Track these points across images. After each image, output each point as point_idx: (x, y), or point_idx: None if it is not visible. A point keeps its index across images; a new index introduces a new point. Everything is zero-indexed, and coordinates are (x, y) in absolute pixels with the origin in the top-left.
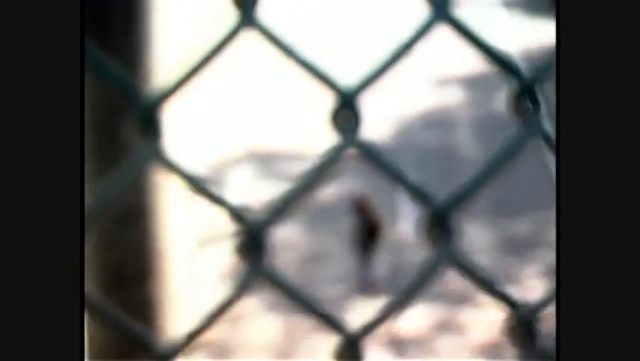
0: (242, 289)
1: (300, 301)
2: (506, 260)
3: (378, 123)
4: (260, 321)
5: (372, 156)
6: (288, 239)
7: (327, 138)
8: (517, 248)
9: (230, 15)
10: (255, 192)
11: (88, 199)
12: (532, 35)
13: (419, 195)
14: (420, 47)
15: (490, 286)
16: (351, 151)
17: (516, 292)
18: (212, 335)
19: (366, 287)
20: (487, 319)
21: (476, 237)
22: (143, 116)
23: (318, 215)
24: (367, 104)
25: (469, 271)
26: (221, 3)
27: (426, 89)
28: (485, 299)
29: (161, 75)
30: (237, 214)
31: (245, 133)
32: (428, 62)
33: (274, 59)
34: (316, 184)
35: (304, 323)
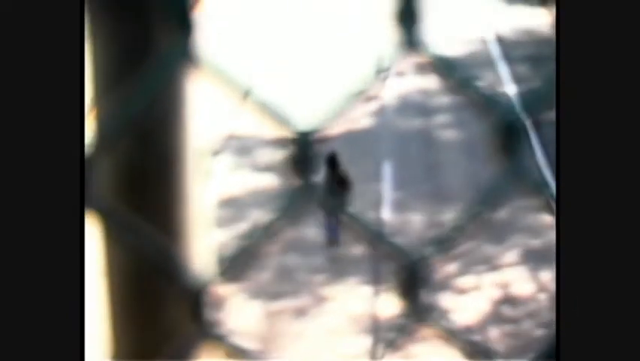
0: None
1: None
2: (486, 246)
3: (358, 108)
4: (242, 308)
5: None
6: None
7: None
8: (496, 234)
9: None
10: (235, 182)
11: None
12: (507, 21)
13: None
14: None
15: None
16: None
17: (495, 277)
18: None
19: (329, 241)
20: (468, 305)
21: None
22: (190, 299)
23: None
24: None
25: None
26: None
27: (408, 74)
28: (467, 285)
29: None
30: None
31: (222, 121)
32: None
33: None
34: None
35: (286, 310)
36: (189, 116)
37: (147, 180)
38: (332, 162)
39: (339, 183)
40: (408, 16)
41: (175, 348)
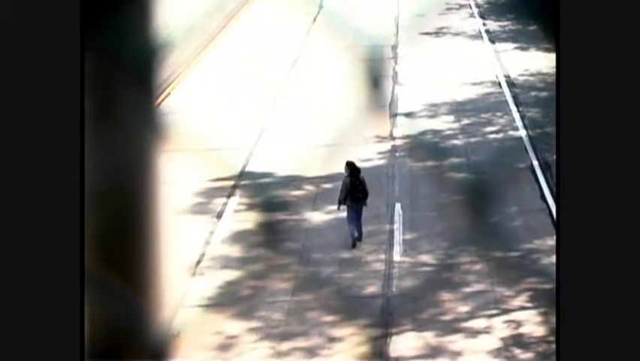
0: None
1: None
2: (498, 290)
3: (373, 146)
4: (252, 349)
5: None
6: (282, 269)
7: (317, 161)
8: (509, 278)
9: None
10: (248, 220)
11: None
12: (519, 64)
13: None
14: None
15: None
16: None
17: (508, 320)
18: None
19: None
20: (479, 347)
21: (469, 267)
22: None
23: (312, 238)
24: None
25: None
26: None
27: (420, 115)
28: (479, 326)
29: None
30: None
31: (234, 159)
32: (419, 89)
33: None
34: None
35: (296, 351)
36: (160, 180)
37: (120, 241)
38: (352, 169)
39: (357, 191)
40: None
41: None
